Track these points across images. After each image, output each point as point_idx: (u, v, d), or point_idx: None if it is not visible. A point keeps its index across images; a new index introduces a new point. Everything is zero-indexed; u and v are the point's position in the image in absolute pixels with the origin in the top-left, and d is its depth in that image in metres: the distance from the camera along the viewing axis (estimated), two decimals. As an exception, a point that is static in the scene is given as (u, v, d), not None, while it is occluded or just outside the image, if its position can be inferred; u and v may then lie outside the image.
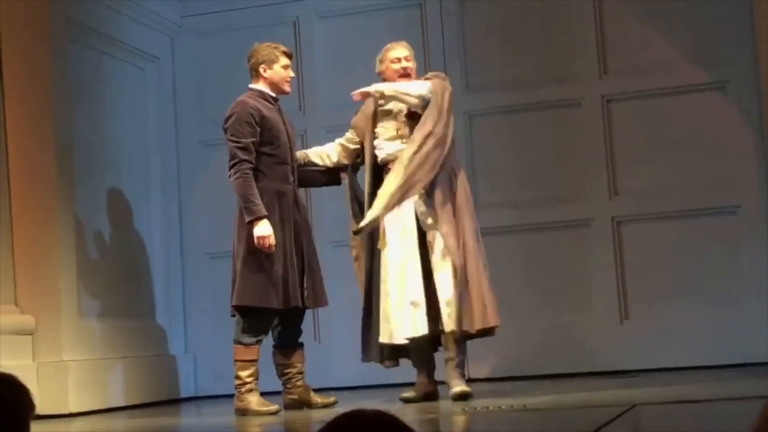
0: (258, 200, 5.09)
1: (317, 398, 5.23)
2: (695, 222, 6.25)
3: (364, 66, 5.59)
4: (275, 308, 5.14)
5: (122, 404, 6.15)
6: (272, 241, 5.06)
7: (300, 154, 5.52)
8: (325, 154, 5.52)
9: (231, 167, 5.10)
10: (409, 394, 5.13)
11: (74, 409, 5.66)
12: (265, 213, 5.06)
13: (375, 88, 5.18)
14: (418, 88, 5.17)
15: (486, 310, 5.01)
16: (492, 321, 5.02)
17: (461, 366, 5.08)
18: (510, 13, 6.69)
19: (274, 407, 5.06)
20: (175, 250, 7.17)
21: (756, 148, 6.05)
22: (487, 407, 4.62)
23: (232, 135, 5.13)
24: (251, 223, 5.00)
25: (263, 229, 4.99)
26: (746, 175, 6.11)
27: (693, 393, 4.51)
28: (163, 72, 7.00)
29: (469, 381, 5.83)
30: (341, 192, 5.62)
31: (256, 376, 5.16)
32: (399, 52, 5.28)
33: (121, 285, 6.52)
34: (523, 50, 6.65)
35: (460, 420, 4.58)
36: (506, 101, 6.60)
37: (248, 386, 5.11)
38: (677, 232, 6.26)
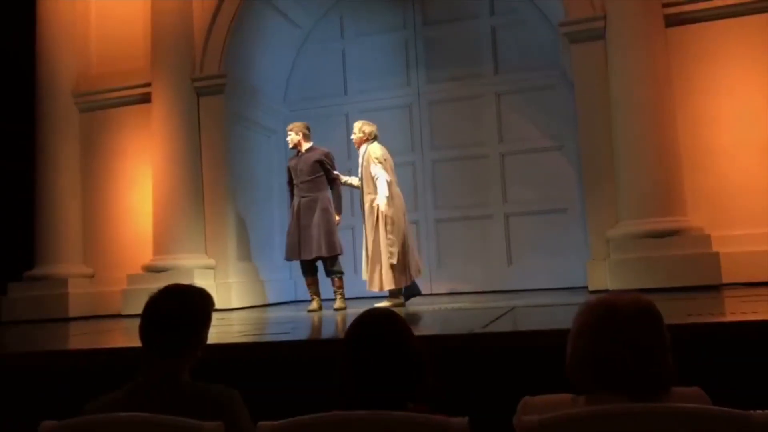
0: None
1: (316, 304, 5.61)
2: (544, 216, 6.92)
3: (382, 136, 5.79)
4: (299, 259, 5.64)
5: (257, 304, 6.72)
6: None
7: (346, 178, 5.81)
8: (357, 179, 5.68)
9: None
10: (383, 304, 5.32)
11: (234, 306, 6.43)
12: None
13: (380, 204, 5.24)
14: (382, 194, 5.22)
15: (382, 280, 5.20)
16: (384, 287, 5.23)
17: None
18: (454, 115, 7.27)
19: (313, 307, 5.54)
20: (283, 229, 6.98)
21: (577, 178, 6.47)
22: (439, 307, 5.10)
23: None
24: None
25: None
26: (570, 192, 6.76)
27: (543, 301, 5.03)
28: (279, 140, 7.42)
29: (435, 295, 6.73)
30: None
31: (311, 292, 5.65)
32: (353, 129, 5.65)
33: (254, 248, 7.02)
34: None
35: (416, 314, 4.60)
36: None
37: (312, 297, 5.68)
38: (535, 222, 6.93)
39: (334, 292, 5.62)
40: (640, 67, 5.42)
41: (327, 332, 4.19)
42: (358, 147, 5.58)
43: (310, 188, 5.69)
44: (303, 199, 5.67)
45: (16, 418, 2.91)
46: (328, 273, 5.67)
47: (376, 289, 5.30)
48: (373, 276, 5.27)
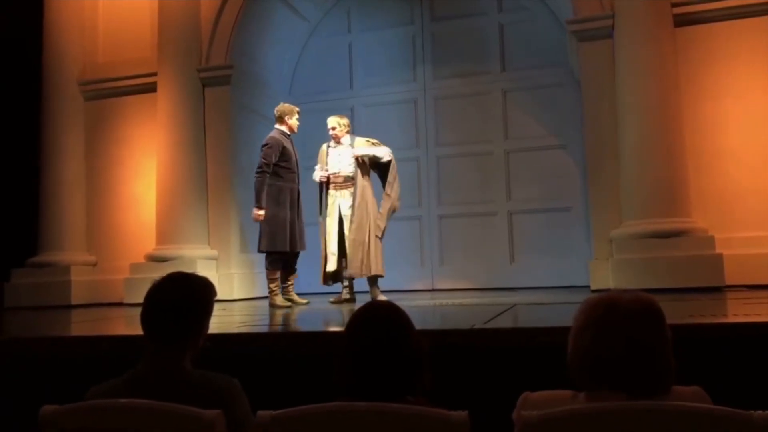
0: (263, 194, 5.22)
1: (299, 299, 5.49)
2: (548, 215, 6.93)
3: (387, 131, 6.23)
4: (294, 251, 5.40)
5: (259, 295, 6.64)
6: (261, 219, 5.24)
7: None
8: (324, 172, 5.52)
9: (258, 170, 5.30)
10: (335, 299, 5.47)
11: (236, 297, 6.46)
12: (263, 205, 5.21)
13: (359, 153, 5.35)
14: (383, 152, 5.39)
15: (371, 265, 5.19)
16: (374, 272, 5.22)
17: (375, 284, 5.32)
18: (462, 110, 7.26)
19: (288, 303, 5.31)
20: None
21: (581, 177, 6.53)
22: (440, 303, 5.21)
23: (263, 150, 5.33)
24: (257, 207, 5.25)
25: (257, 213, 5.29)
26: (574, 191, 6.78)
27: (545, 299, 5.03)
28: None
29: (436, 290, 6.83)
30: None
31: (277, 285, 5.35)
32: (329, 124, 5.54)
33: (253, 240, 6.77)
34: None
35: (418, 309, 4.59)
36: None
37: (274, 292, 5.36)
38: (538, 220, 6.94)
39: (291, 287, 5.46)
40: (648, 66, 5.41)
41: (327, 323, 4.19)
42: (339, 140, 5.48)
43: (297, 179, 5.51)
44: (297, 189, 5.50)
45: (17, 403, 2.93)
46: (293, 268, 5.51)
47: (370, 273, 5.23)
48: (367, 260, 5.20)
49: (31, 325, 4.86)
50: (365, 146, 5.44)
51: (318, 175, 5.53)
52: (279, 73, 7.61)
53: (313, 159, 6.22)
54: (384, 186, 5.46)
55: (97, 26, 7.40)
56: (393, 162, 5.45)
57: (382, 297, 5.08)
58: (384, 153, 5.43)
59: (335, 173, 5.46)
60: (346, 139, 5.53)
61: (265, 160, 5.32)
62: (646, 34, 5.45)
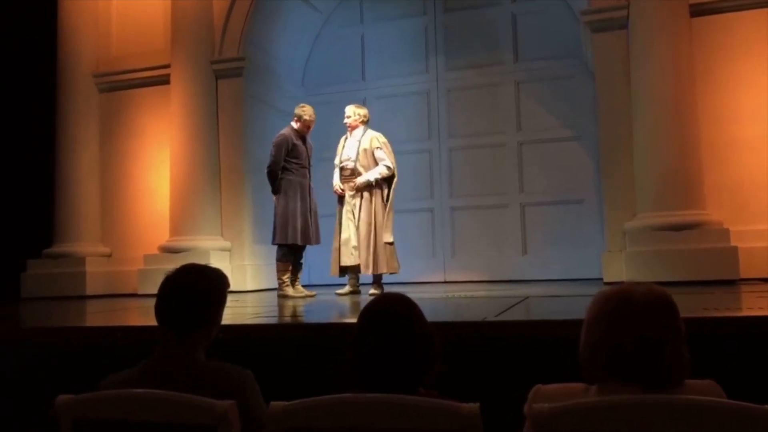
0: (275, 186, 5.38)
1: (306, 292, 5.51)
2: (560, 207, 6.92)
3: (399, 122, 6.29)
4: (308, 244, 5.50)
5: (272, 287, 6.38)
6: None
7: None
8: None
9: (267, 169, 5.44)
10: (343, 291, 5.47)
11: (249, 288, 6.55)
12: (278, 192, 5.39)
13: (360, 183, 5.31)
14: (378, 172, 5.29)
15: (379, 263, 5.24)
16: (380, 270, 5.26)
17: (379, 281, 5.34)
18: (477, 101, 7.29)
19: (301, 293, 5.39)
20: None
21: (595, 169, 6.59)
22: (452, 295, 5.19)
23: (274, 148, 5.44)
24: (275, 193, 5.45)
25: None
26: (587, 183, 6.78)
27: (557, 291, 5.08)
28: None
29: (448, 282, 6.73)
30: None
31: (287, 277, 5.42)
32: (345, 112, 5.54)
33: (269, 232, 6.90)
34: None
35: (430, 301, 4.51)
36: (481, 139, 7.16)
37: (285, 283, 5.44)
38: (551, 212, 6.93)
39: (297, 280, 5.52)
40: (663, 57, 5.37)
41: (339, 315, 4.20)
42: (353, 130, 5.48)
43: (308, 174, 5.54)
44: (309, 183, 5.54)
45: (33, 392, 2.96)
46: (299, 261, 5.55)
47: (385, 271, 5.27)
48: (377, 258, 5.22)
49: (46, 315, 4.90)
50: (375, 143, 5.36)
51: (337, 186, 5.51)
52: (291, 65, 7.62)
53: (324, 151, 6.30)
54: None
55: (111, 19, 7.45)
56: (395, 172, 5.38)
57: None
58: (380, 173, 5.29)
59: (344, 167, 5.44)
60: (359, 130, 5.48)
61: (273, 158, 5.44)
62: (661, 24, 5.41)
